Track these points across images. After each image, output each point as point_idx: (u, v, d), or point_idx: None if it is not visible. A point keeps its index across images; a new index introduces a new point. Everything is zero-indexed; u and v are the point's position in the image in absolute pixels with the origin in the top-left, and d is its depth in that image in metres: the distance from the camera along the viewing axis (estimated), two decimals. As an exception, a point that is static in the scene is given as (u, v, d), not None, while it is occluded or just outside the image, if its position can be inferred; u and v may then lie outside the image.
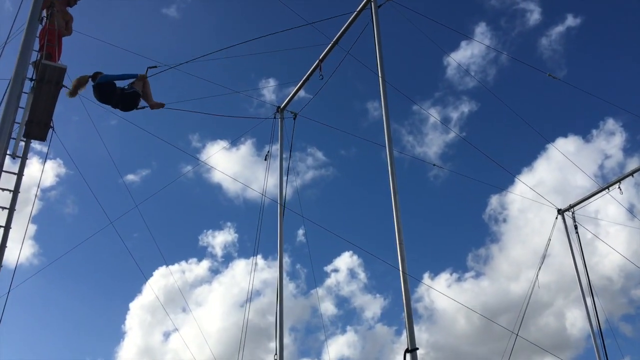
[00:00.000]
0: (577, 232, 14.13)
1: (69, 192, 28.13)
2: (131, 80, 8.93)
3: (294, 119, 12.66)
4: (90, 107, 9.05)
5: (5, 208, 8.46)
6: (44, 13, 8.33)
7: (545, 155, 29.44)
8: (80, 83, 8.54)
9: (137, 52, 10.97)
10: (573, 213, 14.34)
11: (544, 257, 13.85)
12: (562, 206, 14.57)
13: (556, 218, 14.49)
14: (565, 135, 29.75)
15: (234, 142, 24.84)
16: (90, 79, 8.69)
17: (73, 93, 8.46)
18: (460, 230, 31.38)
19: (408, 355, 7.72)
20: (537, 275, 13.48)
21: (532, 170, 28.62)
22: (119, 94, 8.70)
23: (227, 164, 26.43)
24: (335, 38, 10.77)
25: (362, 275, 27.76)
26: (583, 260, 13.67)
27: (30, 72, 8.03)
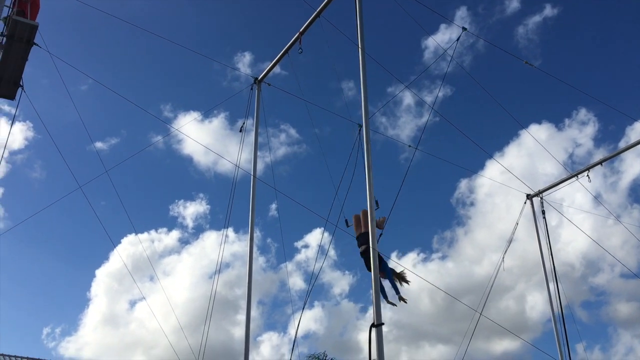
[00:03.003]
0: (544, 218, 14.41)
1: (36, 156, 27.58)
2: None
3: (259, 88, 12.49)
4: (63, 69, 8.83)
5: (-29, 167, 8.27)
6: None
7: (517, 141, 29.89)
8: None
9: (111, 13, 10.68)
10: (542, 199, 14.60)
11: (510, 240, 14.12)
12: (531, 192, 14.81)
13: (525, 203, 14.74)
14: (539, 122, 30.22)
15: (207, 114, 24.59)
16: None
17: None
18: (428, 213, 31.82)
19: (373, 330, 7.83)
20: (502, 258, 13.76)
21: (503, 155, 29.06)
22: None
23: (199, 135, 26.19)
24: (317, 10, 10.65)
25: (332, 252, 28.01)
26: (549, 245, 13.98)
27: (1, 27, 7.81)
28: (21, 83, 8.23)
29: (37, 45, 7.89)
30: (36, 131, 25.32)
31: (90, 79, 12.90)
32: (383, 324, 7.89)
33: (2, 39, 7.81)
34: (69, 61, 9.23)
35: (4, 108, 8.84)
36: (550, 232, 14.30)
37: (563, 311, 13.65)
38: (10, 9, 8.01)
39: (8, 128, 9.44)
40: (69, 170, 9.72)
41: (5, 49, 7.75)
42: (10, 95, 8.33)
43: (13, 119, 8.88)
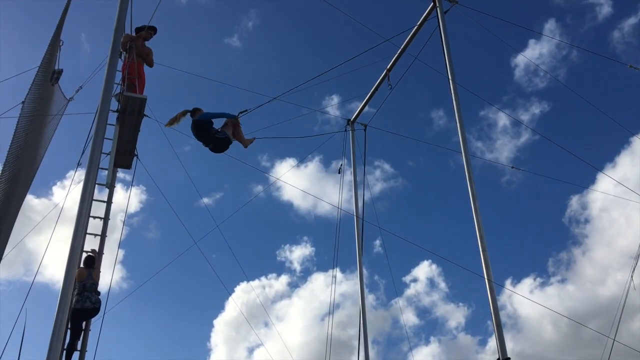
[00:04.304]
0: (672, 229, 13.24)
1: (151, 217, 29.28)
2: (224, 121, 9.32)
3: (365, 130, 12.66)
4: (169, 134, 9.42)
5: (98, 235, 8.93)
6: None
7: (629, 149, 27.90)
8: (180, 116, 9.08)
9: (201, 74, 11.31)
10: (666, 208, 13.46)
11: (638, 256, 13.05)
12: (653, 201, 13.71)
13: (648, 214, 13.66)
14: (650, 127, 28.13)
15: (302, 160, 25.11)
16: (190, 114, 9.14)
17: (170, 124, 9.00)
18: (540, 235, 30.21)
19: (500, 365, 7.48)
20: (631, 276, 12.70)
21: (615, 166, 27.20)
22: (212, 134, 9.03)
23: (296, 181, 26.74)
24: (403, 45, 10.71)
25: (442, 285, 27.22)
26: (682, 257, 12.74)
27: (114, 105, 8.45)
28: (136, 152, 8.84)
29: (147, 116, 8.46)
30: (149, 194, 26.97)
31: (192, 140, 13.76)
32: (509, 358, 7.52)
33: (117, 115, 8.46)
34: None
35: (118, 175, 9.49)
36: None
37: None
38: (120, 86, 8.70)
39: (124, 194, 10.15)
40: (184, 227, 10.22)
41: (120, 123, 8.39)
42: (127, 165, 8.98)
43: (130, 186, 9.55)
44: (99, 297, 8.45)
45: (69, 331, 7.99)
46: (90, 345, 8.30)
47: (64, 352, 8.01)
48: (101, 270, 8.84)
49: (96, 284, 8.53)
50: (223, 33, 32.40)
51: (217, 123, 9.24)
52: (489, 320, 7.88)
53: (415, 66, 10.78)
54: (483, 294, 8.82)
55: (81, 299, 8.25)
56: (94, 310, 8.34)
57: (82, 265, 8.46)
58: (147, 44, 9.30)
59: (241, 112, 9.45)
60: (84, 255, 8.55)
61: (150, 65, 9.23)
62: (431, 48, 10.20)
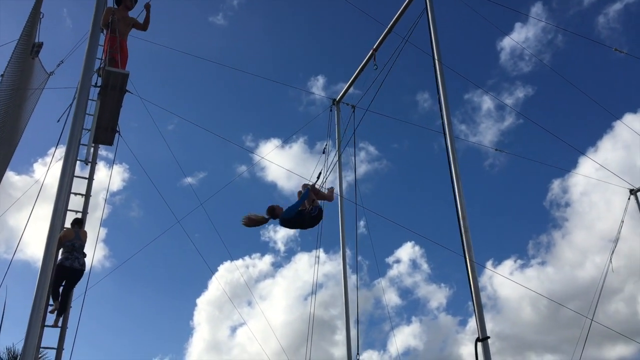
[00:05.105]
0: (651, 213, 13.42)
1: (134, 196, 29.10)
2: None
3: (354, 111, 12.59)
4: (153, 111, 9.30)
5: (79, 212, 8.85)
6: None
7: (612, 133, 28.22)
8: (258, 223, 8.52)
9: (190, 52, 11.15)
10: (647, 193, 13.63)
11: (617, 239, 13.25)
12: (632, 187, 13.87)
13: (628, 199, 13.82)
14: (634, 111, 28.41)
15: (287, 140, 25.10)
16: (270, 217, 8.56)
17: (248, 224, 8.46)
18: (521, 218, 30.57)
19: (479, 345, 7.57)
20: (610, 259, 12.92)
21: (597, 150, 27.51)
22: (308, 218, 8.65)
23: (281, 161, 26.70)
24: (389, 25, 10.64)
25: (424, 266, 27.50)
26: (660, 241, 12.98)
27: (95, 79, 8.32)
28: (117, 129, 8.73)
29: (129, 92, 8.34)
30: (132, 172, 26.77)
31: (175, 118, 13.68)
32: (489, 337, 7.61)
33: (98, 90, 8.33)
34: (156, 103, 9.72)
35: (100, 153, 9.37)
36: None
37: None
38: (102, 61, 8.55)
39: (107, 172, 10.04)
40: (167, 206, 10.17)
41: (101, 99, 8.26)
42: (109, 142, 8.87)
43: (112, 163, 9.46)
44: (85, 259, 8.44)
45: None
46: (71, 322, 8.27)
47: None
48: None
49: (84, 245, 8.51)
50: (208, 11, 32.01)
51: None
52: (469, 301, 7.96)
53: (405, 49, 10.73)
54: (464, 276, 8.90)
55: (71, 257, 8.22)
56: (81, 272, 8.33)
57: (69, 226, 8.47)
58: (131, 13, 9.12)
59: (317, 178, 9.28)
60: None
61: (145, 28, 8.98)
62: (420, 32, 10.14)
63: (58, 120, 8.33)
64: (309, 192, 8.71)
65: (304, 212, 8.60)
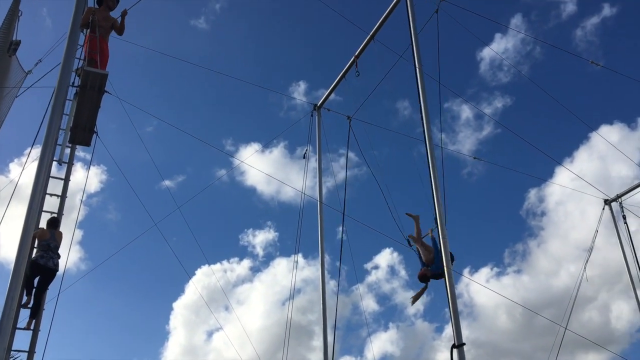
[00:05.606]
0: (625, 223, 13.69)
1: (111, 198, 28.79)
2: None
3: (350, 121, 12.58)
4: (132, 113, 9.21)
5: (54, 213, 8.71)
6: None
7: (587, 144, 28.71)
8: (422, 293, 9.56)
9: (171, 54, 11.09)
10: (620, 203, 13.90)
11: (591, 249, 13.47)
12: (607, 197, 14.12)
13: (603, 209, 14.07)
14: (610, 123, 28.94)
15: (267, 145, 25.05)
16: (427, 282, 9.38)
17: (416, 299, 9.62)
18: (498, 226, 30.91)
19: (455, 351, 7.62)
20: (584, 268, 13.13)
21: (573, 160, 27.97)
22: (440, 273, 8.94)
23: (261, 166, 26.65)
24: (371, 32, 10.70)
25: (402, 272, 27.61)
26: (633, 250, 13.22)
27: (74, 79, 8.22)
28: (95, 130, 8.61)
29: (108, 92, 8.23)
30: (109, 174, 26.48)
31: (154, 120, 13.63)
32: (464, 344, 7.67)
33: (76, 89, 8.22)
34: (135, 104, 9.62)
35: (78, 154, 9.24)
36: (633, 237, 13.56)
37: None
38: (81, 61, 8.44)
39: (84, 173, 9.91)
40: (144, 209, 10.04)
41: (79, 99, 8.15)
42: (86, 142, 8.72)
43: (89, 165, 9.33)
44: (59, 260, 8.32)
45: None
46: (44, 325, 8.13)
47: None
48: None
49: (58, 246, 8.39)
50: (190, 14, 31.89)
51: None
52: (446, 308, 8.02)
53: (387, 58, 10.81)
54: (441, 283, 8.98)
55: (46, 255, 8.12)
56: (54, 272, 8.21)
57: (45, 226, 8.35)
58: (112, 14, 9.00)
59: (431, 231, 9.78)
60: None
61: (121, 33, 8.86)
62: (403, 40, 10.24)
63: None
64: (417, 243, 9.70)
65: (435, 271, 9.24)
